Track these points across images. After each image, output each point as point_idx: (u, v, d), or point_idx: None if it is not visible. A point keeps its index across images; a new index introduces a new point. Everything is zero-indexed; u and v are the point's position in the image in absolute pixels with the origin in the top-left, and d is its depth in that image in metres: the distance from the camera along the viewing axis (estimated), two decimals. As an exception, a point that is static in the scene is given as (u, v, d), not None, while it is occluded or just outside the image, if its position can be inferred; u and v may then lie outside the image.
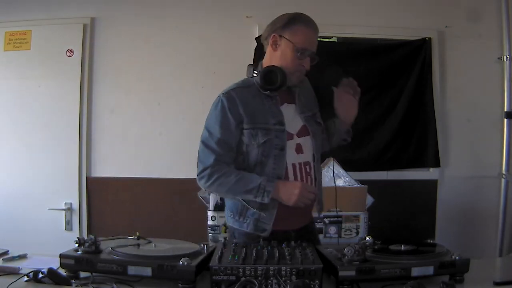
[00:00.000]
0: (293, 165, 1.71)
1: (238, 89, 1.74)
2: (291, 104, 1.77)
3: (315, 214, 1.87)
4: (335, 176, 2.31)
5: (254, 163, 1.71)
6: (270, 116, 1.71)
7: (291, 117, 1.75)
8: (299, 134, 1.75)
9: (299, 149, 1.73)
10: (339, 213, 2.31)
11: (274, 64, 1.71)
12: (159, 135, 2.81)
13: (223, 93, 1.74)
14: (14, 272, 1.47)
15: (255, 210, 1.69)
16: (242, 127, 1.69)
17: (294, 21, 1.72)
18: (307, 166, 1.74)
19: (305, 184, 1.67)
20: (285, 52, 1.71)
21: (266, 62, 1.75)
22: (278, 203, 1.67)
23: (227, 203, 1.83)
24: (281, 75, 1.68)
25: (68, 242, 1.55)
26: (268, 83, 1.69)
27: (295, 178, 1.70)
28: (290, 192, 1.62)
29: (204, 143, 1.77)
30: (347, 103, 1.78)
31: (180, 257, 1.37)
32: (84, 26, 2.79)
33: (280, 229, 1.68)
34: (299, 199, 1.62)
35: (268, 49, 1.76)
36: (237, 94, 1.72)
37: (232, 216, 1.77)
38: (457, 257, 1.43)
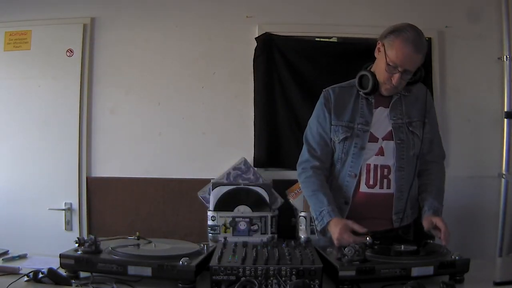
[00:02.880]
0: (369, 165, 1.77)
1: (338, 88, 1.86)
2: (386, 108, 1.81)
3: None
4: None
5: (337, 159, 1.83)
6: (358, 116, 1.80)
7: (381, 121, 1.79)
8: (385, 138, 1.78)
9: (380, 152, 1.78)
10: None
11: (373, 70, 1.77)
12: (159, 135, 2.81)
13: (324, 90, 1.87)
14: (14, 272, 1.47)
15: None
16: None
17: (395, 33, 1.69)
18: (386, 169, 1.77)
19: (347, 228, 1.65)
20: (379, 62, 1.75)
21: (373, 66, 1.81)
22: (351, 202, 1.78)
23: None
24: (372, 82, 1.74)
25: (68, 242, 1.55)
26: (360, 86, 1.79)
27: (368, 177, 1.77)
28: (334, 231, 1.67)
29: (304, 137, 1.91)
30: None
31: (180, 257, 1.37)
32: (84, 26, 2.79)
33: None
34: (339, 240, 1.64)
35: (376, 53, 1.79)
36: (334, 92, 1.84)
37: None
38: (457, 257, 1.43)
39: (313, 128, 1.87)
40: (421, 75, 1.78)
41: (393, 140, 1.78)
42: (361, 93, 1.80)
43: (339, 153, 1.82)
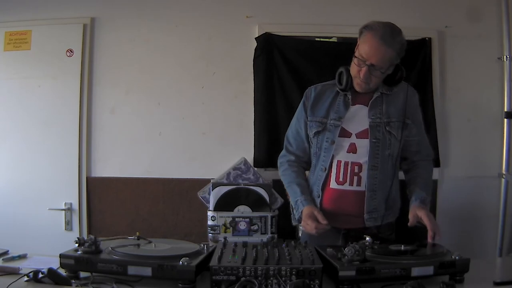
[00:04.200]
0: (340, 162, 1.79)
1: (321, 85, 1.92)
2: (366, 106, 1.82)
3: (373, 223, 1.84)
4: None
5: (313, 154, 1.88)
6: (333, 111, 1.83)
7: (359, 118, 1.81)
8: (359, 135, 1.79)
9: (352, 149, 1.79)
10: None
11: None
12: (159, 135, 2.81)
13: (308, 88, 1.93)
14: (14, 272, 1.47)
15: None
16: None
17: (367, 28, 1.72)
18: (357, 167, 1.78)
19: (312, 216, 1.73)
20: (354, 58, 1.77)
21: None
22: (322, 196, 1.82)
23: None
24: (346, 78, 1.79)
25: (68, 242, 1.55)
26: (338, 82, 1.83)
27: (338, 173, 1.79)
28: (303, 219, 1.77)
29: (287, 132, 2.00)
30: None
31: (180, 257, 1.37)
32: (84, 26, 2.79)
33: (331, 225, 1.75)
34: (303, 226, 1.77)
35: None
36: (316, 89, 1.91)
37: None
38: (457, 257, 1.43)
39: (292, 124, 1.97)
40: (402, 75, 1.80)
41: (368, 138, 1.78)
42: (337, 89, 1.84)
43: (314, 148, 1.88)
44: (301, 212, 1.78)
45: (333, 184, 1.80)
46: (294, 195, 1.85)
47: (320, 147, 1.84)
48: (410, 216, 1.72)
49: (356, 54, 1.74)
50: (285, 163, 1.95)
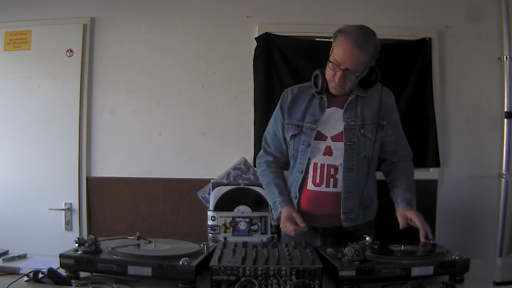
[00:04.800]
0: (316, 164, 1.81)
1: (298, 87, 1.94)
2: (340, 109, 1.83)
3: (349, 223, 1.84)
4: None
5: (290, 156, 1.90)
6: (309, 114, 1.84)
7: (334, 121, 1.82)
8: (334, 138, 1.81)
9: (328, 151, 1.80)
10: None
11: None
12: (159, 135, 2.81)
13: (285, 90, 1.95)
14: (14, 272, 1.47)
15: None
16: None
17: (341, 32, 1.74)
18: (333, 169, 1.80)
19: (290, 218, 1.76)
20: (329, 62, 1.78)
21: None
22: (299, 197, 1.84)
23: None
24: (322, 81, 1.80)
25: (68, 242, 1.55)
26: (314, 85, 1.85)
27: (315, 175, 1.81)
28: (281, 220, 1.79)
29: (264, 133, 2.02)
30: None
31: (180, 257, 1.38)
32: (84, 26, 2.79)
33: (308, 224, 1.77)
34: (282, 228, 1.81)
35: None
36: (292, 92, 1.93)
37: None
38: (457, 257, 1.43)
39: (269, 126, 1.99)
40: (377, 77, 1.81)
41: (343, 141, 1.79)
42: (312, 91, 1.86)
43: (291, 150, 1.90)
44: (280, 213, 1.81)
45: (310, 186, 1.82)
46: (272, 196, 1.88)
47: (297, 150, 1.85)
48: (400, 219, 1.72)
49: (331, 58, 1.75)
50: (263, 163, 1.97)
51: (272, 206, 1.89)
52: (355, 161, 1.80)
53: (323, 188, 1.81)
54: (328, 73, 1.78)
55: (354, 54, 1.68)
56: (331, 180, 1.80)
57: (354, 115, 1.81)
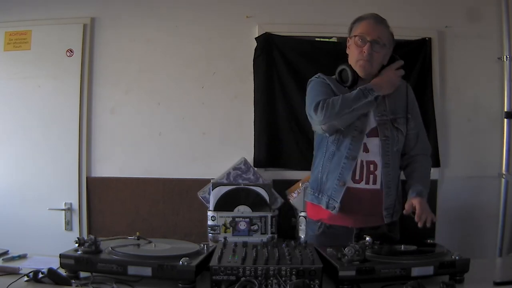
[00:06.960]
0: (356, 161, 1.78)
1: (327, 78, 1.86)
2: None
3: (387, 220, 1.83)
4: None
5: (331, 140, 1.81)
6: None
7: (365, 117, 1.79)
8: (369, 134, 1.79)
9: (365, 148, 1.79)
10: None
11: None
12: (159, 135, 2.81)
13: (315, 76, 1.87)
14: (14, 272, 1.47)
15: (329, 186, 1.81)
16: None
17: (358, 19, 1.82)
18: (371, 165, 1.79)
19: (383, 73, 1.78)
20: (351, 47, 1.82)
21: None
22: (346, 188, 1.77)
23: (310, 181, 1.95)
24: (350, 71, 1.79)
25: (68, 242, 1.55)
26: (344, 81, 1.81)
27: (355, 173, 1.78)
28: (383, 78, 1.77)
29: (307, 106, 1.80)
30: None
31: (180, 257, 1.37)
32: (84, 26, 2.79)
33: (342, 224, 1.77)
34: (396, 74, 1.80)
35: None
36: (326, 77, 1.85)
37: (312, 193, 1.89)
38: (457, 257, 1.43)
39: (312, 94, 1.81)
40: (400, 64, 1.82)
41: (378, 137, 1.78)
42: (346, 89, 1.79)
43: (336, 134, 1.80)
44: (371, 89, 1.71)
45: (349, 183, 1.79)
46: (352, 93, 1.72)
47: (346, 135, 1.77)
48: (406, 206, 1.73)
49: (356, 33, 1.79)
50: (323, 100, 1.73)
51: (361, 94, 1.71)
52: (391, 156, 1.80)
53: (362, 185, 1.78)
54: (353, 53, 1.80)
55: (378, 26, 1.78)
56: (371, 176, 1.78)
57: (384, 110, 1.81)
